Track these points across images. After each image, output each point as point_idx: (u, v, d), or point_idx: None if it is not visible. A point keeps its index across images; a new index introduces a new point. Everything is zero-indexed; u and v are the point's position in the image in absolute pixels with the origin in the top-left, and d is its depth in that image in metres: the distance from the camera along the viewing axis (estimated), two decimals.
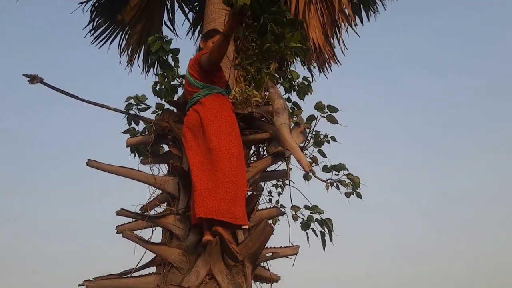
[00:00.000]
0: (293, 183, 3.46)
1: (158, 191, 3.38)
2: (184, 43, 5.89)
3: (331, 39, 4.97)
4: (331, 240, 3.35)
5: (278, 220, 3.81)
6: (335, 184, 3.50)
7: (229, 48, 3.99)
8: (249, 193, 3.22)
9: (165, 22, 5.47)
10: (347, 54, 5.05)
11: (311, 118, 3.55)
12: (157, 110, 3.69)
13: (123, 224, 3.28)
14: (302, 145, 3.48)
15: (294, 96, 4.04)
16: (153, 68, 5.33)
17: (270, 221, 3.12)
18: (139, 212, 3.32)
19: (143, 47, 5.25)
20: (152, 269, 3.15)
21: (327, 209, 3.46)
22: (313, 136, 3.57)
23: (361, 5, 5.21)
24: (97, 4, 5.06)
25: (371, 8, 5.26)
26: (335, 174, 3.52)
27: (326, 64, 5.15)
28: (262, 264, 3.27)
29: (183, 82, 3.68)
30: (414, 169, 12.36)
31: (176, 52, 3.64)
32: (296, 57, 4.41)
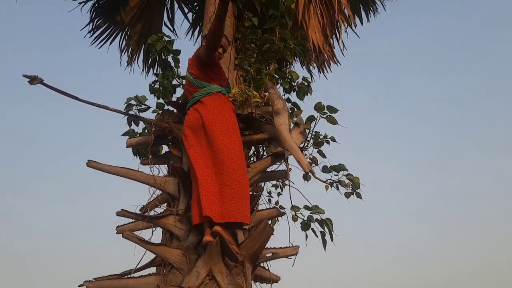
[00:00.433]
0: (293, 183, 3.47)
1: (158, 192, 3.38)
2: (184, 43, 5.90)
3: (331, 39, 4.98)
4: (331, 240, 3.36)
5: (278, 220, 3.82)
6: (334, 185, 3.51)
7: (229, 49, 4.01)
8: (249, 193, 3.22)
9: (164, 23, 5.47)
10: (346, 54, 5.07)
11: (311, 118, 3.55)
12: (157, 110, 3.68)
13: (123, 224, 3.28)
14: (301, 145, 3.49)
15: (293, 97, 4.05)
16: (153, 69, 5.33)
17: (269, 222, 3.13)
18: (139, 212, 3.32)
19: (142, 48, 5.25)
20: (152, 270, 3.16)
21: (325, 209, 3.47)
22: (312, 136, 3.57)
23: (361, 6, 5.22)
24: (96, 4, 5.06)
25: (371, 8, 5.26)
26: (334, 175, 3.53)
27: (326, 65, 5.16)
28: (262, 264, 3.28)
29: (183, 83, 3.69)
30: (412, 169, 12.37)
31: (177, 53, 3.64)
32: (295, 58, 4.43)
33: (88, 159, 3.39)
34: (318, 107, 3.49)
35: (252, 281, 3.08)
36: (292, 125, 3.51)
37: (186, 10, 5.65)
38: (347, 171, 3.48)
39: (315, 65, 5.22)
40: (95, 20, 5.12)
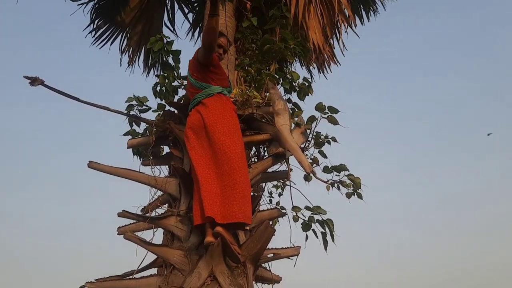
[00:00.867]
0: (294, 184, 3.47)
1: (159, 193, 3.39)
2: (184, 43, 5.90)
3: (331, 39, 4.98)
4: (332, 240, 3.36)
5: (278, 221, 3.81)
6: (335, 185, 3.51)
7: (230, 49, 4.02)
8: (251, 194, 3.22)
9: (165, 23, 5.47)
10: (345, 55, 5.06)
11: (312, 119, 3.56)
12: (158, 110, 3.69)
13: (124, 225, 3.28)
14: (302, 146, 3.49)
15: (294, 97, 4.05)
16: (154, 70, 5.33)
17: (270, 222, 3.13)
18: (140, 213, 3.33)
19: (143, 48, 5.25)
20: (154, 271, 3.16)
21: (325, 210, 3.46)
22: (313, 137, 3.58)
23: (361, 6, 5.22)
24: (97, 5, 5.06)
25: (371, 8, 5.26)
26: (335, 175, 3.53)
27: (326, 65, 5.16)
28: (263, 265, 3.28)
29: (184, 83, 3.69)
30: (402, 172, 12.35)
31: (177, 53, 3.64)
32: (296, 58, 4.43)
33: (89, 159, 3.40)
34: (319, 107, 3.49)
35: (254, 282, 3.08)
36: (293, 125, 3.51)
37: (186, 11, 5.64)
38: (348, 171, 3.48)
39: (315, 65, 5.22)
40: (96, 21, 5.11)
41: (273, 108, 3.49)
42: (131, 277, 3.08)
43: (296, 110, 3.94)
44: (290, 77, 4.06)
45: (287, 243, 3.34)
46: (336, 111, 3.49)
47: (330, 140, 3.60)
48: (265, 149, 3.69)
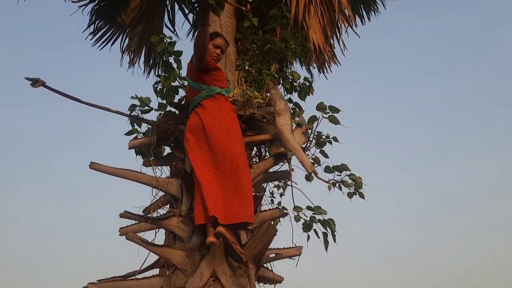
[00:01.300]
0: (295, 184, 3.48)
1: (161, 193, 3.39)
2: (185, 44, 5.91)
3: (331, 39, 4.98)
4: (334, 240, 3.36)
5: (279, 221, 3.82)
6: (337, 185, 3.51)
7: (230, 50, 4.02)
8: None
9: (165, 24, 5.46)
10: (344, 54, 5.06)
11: (313, 118, 3.56)
12: (159, 109, 3.69)
13: (126, 226, 3.29)
14: (304, 146, 3.49)
15: (295, 97, 4.05)
16: (154, 70, 5.34)
17: (272, 222, 3.13)
18: (142, 214, 3.33)
19: (143, 49, 5.25)
20: (156, 271, 3.16)
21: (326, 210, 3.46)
22: (315, 136, 3.58)
23: (361, 5, 5.22)
24: (97, 6, 5.06)
25: (372, 7, 5.26)
26: (337, 175, 3.53)
27: (326, 65, 5.16)
28: (265, 265, 3.28)
29: (185, 84, 3.70)
30: (403, 171, 12.34)
31: (179, 54, 3.65)
32: (296, 58, 4.44)
33: (90, 160, 3.40)
34: (320, 107, 3.50)
35: (256, 282, 3.08)
36: (294, 125, 3.51)
37: (186, 11, 5.64)
38: (350, 171, 3.48)
39: (315, 65, 5.22)
40: (96, 22, 5.11)
41: (274, 108, 3.49)
42: (133, 277, 3.08)
43: (297, 110, 3.95)
44: (290, 77, 4.06)
45: (289, 243, 3.34)
46: (337, 110, 3.50)
47: (332, 140, 3.61)
48: (266, 149, 3.69)
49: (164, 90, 3.64)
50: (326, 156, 3.59)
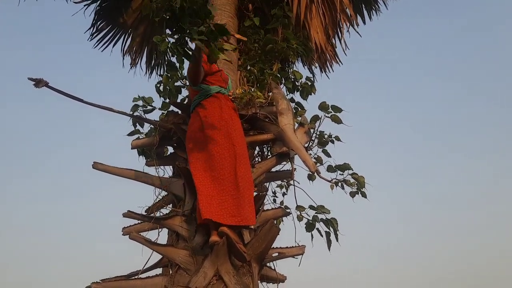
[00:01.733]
0: (298, 183, 3.48)
1: (164, 193, 3.39)
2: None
3: (333, 39, 4.98)
4: (337, 240, 3.36)
5: (282, 220, 3.82)
6: (340, 184, 3.51)
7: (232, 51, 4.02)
8: (254, 194, 3.22)
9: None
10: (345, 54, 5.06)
11: (315, 118, 3.56)
12: (162, 109, 3.69)
13: (129, 226, 3.29)
14: (306, 145, 3.49)
15: (297, 97, 4.06)
16: (156, 70, 5.34)
17: (275, 222, 3.13)
18: (145, 213, 3.33)
19: (145, 49, 5.26)
20: (159, 271, 3.17)
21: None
22: (317, 136, 3.58)
23: (363, 5, 5.22)
24: (99, 7, 5.07)
25: (373, 7, 5.26)
26: (339, 174, 3.53)
27: (328, 64, 5.16)
28: (268, 264, 3.28)
29: (187, 84, 3.70)
30: (403, 171, 12.35)
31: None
32: (298, 58, 4.44)
33: (93, 161, 3.41)
34: (323, 106, 3.50)
35: (259, 281, 3.08)
36: (296, 124, 3.52)
37: None
38: (352, 170, 3.48)
39: (317, 65, 5.22)
40: (98, 23, 5.12)
41: (276, 108, 3.49)
42: (136, 277, 3.08)
43: (299, 109, 3.95)
44: (292, 77, 4.07)
45: (291, 242, 3.35)
46: (339, 110, 3.50)
47: (334, 139, 3.61)
48: (269, 148, 3.69)
49: (168, 89, 3.64)
50: (328, 155, 3.60)
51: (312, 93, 4.03)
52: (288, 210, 3.48)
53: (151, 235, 3.20)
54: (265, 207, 3.40)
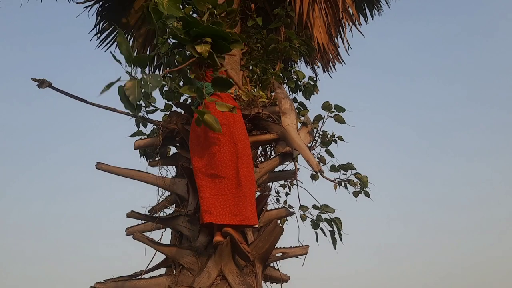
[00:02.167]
0: (301, 183, 3.48)
1: (167, 193, 3.40)
2: None
3: (335, 38, 4.98)
4: (340, 239, 3.36)
5: (287, 220, 3.82)
6: (343, 184, 3.51)
7: (235, 50, 4.01)
8: (257, 194, 3.23)
9: None
10: (346, 54, 5.05)
11: (318, 118, 3.56)
12: (165, 110, 3.69)
13: (132, 226, 3.30)
14: (309, 145, 3.49)
15: (300, 96, 4.05)
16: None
17: (278, 221, 3.13)
18: (148, 214, 3.34)
19: (148, 50, 5.26)
20: (162, 271, 3.17)
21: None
22: (320, 136, 3.58)
23: (365, 4, 5.21)
24: (101, 8, 5.08)
25: (375, 6, 5.26)
26: (343, 174, 3.53)
27: (330, 64, 5.16)
28: (272, 264, 3.28)
29: None
30: (403, 171, 12.33)
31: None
32: (300, 57, 4.44)
33: (97, 161, 3.41)
34: (326, 106, 3.50)
35: (262, 281, 3.08)
36: (299, 124, 3.52)
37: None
38: (356, 169, 3.48)
39: (319, 64, 5.22)
40: (101, 23, 5.13)
41: (279, 108, 3.49)
42: (140, 277, 3.09)
43: (302, 109, 3.95)
44: (295, 77, 4.07)
45: (295, 242, 3.35)
46: (342, 109, 3.50)
47: (337, 139, 3.61)
48: (272, 148, 3.69)
49: (170, 90, 3.64)
50: (331, 155, 3.59)
51: (315, 93, 4.03)
52: (291, 210, 3.48)
53: (155, 235, 3.21)
54: (269, 207, 3.40)
